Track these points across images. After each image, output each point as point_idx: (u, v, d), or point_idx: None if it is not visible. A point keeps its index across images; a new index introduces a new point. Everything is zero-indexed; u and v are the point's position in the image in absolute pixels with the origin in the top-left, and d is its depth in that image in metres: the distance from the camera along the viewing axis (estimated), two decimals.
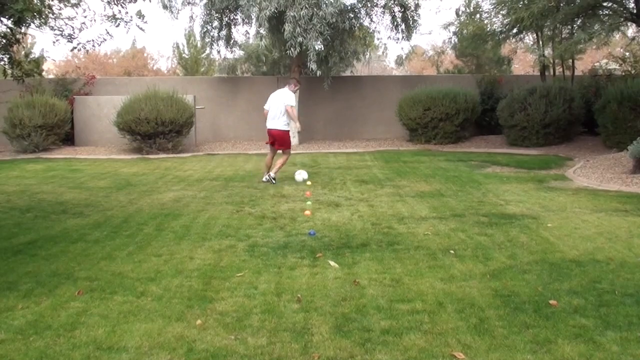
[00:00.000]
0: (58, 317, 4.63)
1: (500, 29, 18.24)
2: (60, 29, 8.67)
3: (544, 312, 4.64)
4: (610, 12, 15.44)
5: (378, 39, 22.26)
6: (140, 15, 9.08)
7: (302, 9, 16.36)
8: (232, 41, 20.08)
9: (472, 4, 22.41)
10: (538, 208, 8.80)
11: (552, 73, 20.95)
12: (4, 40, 8.22)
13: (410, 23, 19.45)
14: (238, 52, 24.51)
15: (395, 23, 19.51)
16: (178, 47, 32.47)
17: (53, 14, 8.34)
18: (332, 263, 6.07)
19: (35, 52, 22.90)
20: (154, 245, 6.91)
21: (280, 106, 11.36)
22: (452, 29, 21.63)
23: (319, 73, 17.94)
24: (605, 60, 23.17)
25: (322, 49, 17.54)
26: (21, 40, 8.96)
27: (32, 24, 7.95)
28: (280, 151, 11.74)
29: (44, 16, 7.89)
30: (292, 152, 16.98)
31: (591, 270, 5.70)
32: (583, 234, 7.14)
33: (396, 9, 19.25)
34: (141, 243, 7.03)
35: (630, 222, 7.75)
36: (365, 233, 7.37)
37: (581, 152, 15.92)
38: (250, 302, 4.95)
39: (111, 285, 5.44)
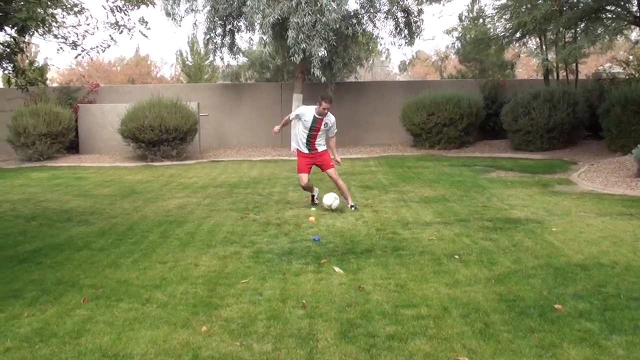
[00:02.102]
0: (64, 325, 4.64)
1: (503, 34, 18.21)
2: (64, 37, 8.71)
3: (549, 316, 4.63)
4: (614, 16, 15.42)
5: (381, 44, 22.28)
6: (142, 21, 9.10)
7: (305, 15, 16.38)
8: (235, 48, 20.10)
9: (475, 9, 22.40)
10: (543, 212, 8.79)
11: (555, 77, 20.92)
12: (8, 49, 8.26)
13: (413, 28, 19.50)
14: (241, 59, 24.57)
15: (399, 28, 19.54)
16: (181, 54, 32.61)
17: (57, 22, 8.38)
18: (336, 269, 6.06)
19: (39, 61, 22.92)
20: (158, 253, 6.92)
21: None
22: (455, 34, 21.64)
23: (323, 79, 17.96)
24: (608, 64, 23.14)
25: (326, 55, 17.57)
26: (25, 49, 9.01)
27: (35, 32, 7.99)
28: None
29: (47, 25, 7.92)
30: (296, 158, 17.09)
31: (596, 274, 5.69)
32: (588, 238, 7.12)
33: (399, 14, 19.29)
34: (146, 250, 7.04)
35: (635, 226, 7.74)
36: (369, 239, 7.37)
37: (585, 156, 15.89)
38: (255, 309, 4.95)
39: (116, 292, 5.45)
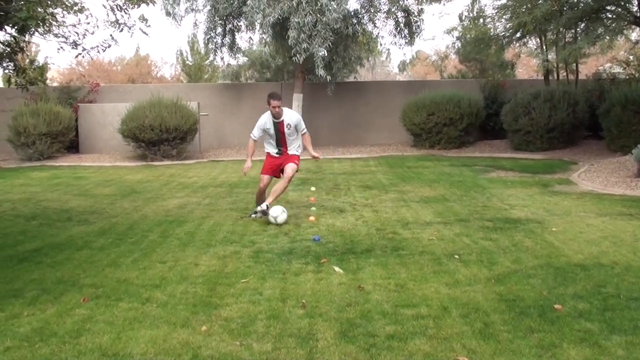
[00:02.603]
0: (63, 324, 4.64)
1: (503, 34, 18.21)
2: (65, 36, 8.71)
3: (549, 316, 4.63)
4: (614, 16, 15.42)
5: (381, 44, 22.30)
6: (143, 19, 9.09)
7: (306, 15, 16.38)
8: (235, 48, 20.10)
9: (475, 9, 22.41)
10: (542, 212, 8.79)
11: (556, 77, 20.92)
12: (8, 49, 8.26)
13: (414, 28, 19.52)
14: (242, 59, 24.59)
15: (399, 28, 19.56)
16: (182, 54, 32.61)
17: (57, 21, 8.37)
18: (336, 269, 6.06)
19: (39, 60, 22.93)
20: (158, 252, 6.92)
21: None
22: (456, 33, 21.64)
23: (329, 78, 17.96)
24: (609, 64, 23.14)
25: (326, 54, 17.57)
26: (25, 49, 9.00)
27: (36, 32, 7.99)
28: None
29: (47, 24, 7.92)
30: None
31: (596, 275, 5.69)
32: (588, 238, 7.12)
33: (399, 14, 19.30)
34: (146, 250, 7.04)
35: (635, 226, 7.73)
36: (369, 238, 7.37)
37: (585, 156, 15.89)
38: (255, 308, 4.95)
39: (116, 292, 5.45)
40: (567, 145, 17.52)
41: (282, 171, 8.86)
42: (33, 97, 18.38)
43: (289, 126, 8.62)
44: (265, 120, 8.61)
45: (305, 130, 8.91)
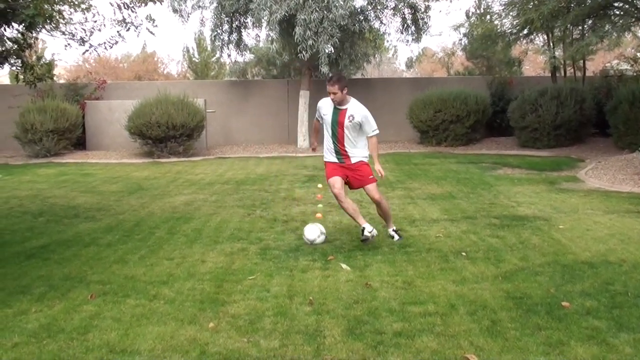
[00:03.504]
0: (71, 321, 4.66)
1: (510, 30, 18.17)
2: (72, 34, 8.72)
3: (557, 314, 4.62)
4: (621, 13, 15.37)
5: (388, 41, 22.27)
6: (150, 19, 9.10)
7: (312, 12, 16.37)
8: (242, 45, 20.10)
9: (482, 5, 22.37)
10: (550, 210, 8.77)
11: (563, 74, 20.86)
12: (16, 46, 8.27)
13: (420, 25, 19.47)
14: (248, 56, 24.55)
15: (405, 25, 19.52)
16: (188, 51, 32.69)
17: (64, 19, 8.39)
18: (343, 266, 6.07)
19: (47, 57, 22.99)
20: (165, 249, 6.93)
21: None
22: (462, 30, 21.60)
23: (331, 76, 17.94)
24: (616, 61, 23.05)
25: (332, 51, 17.55)
26: (33, 45, 9.02)
27: (43, 29, 8.00)
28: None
29: (55, 21, 7.94)
30: (302, 154, 16.54)
31: (603, 272, 5.68)
32: (595, 236, 7.10)
33: (406, 10, 19.25)
34: (153, 247, 7.05)
35: None
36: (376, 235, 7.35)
37: (593, 153, 15.84)
38: (262, 305, 4.96)
39: (124, 288, 5.47)
40: (574, 142, 17.47)
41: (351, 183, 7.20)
42: (40, 94, 18.41)
43: (351, 118, 6.85)
44: (326, 102, 7.03)
45: (376, 132, 7.14)
